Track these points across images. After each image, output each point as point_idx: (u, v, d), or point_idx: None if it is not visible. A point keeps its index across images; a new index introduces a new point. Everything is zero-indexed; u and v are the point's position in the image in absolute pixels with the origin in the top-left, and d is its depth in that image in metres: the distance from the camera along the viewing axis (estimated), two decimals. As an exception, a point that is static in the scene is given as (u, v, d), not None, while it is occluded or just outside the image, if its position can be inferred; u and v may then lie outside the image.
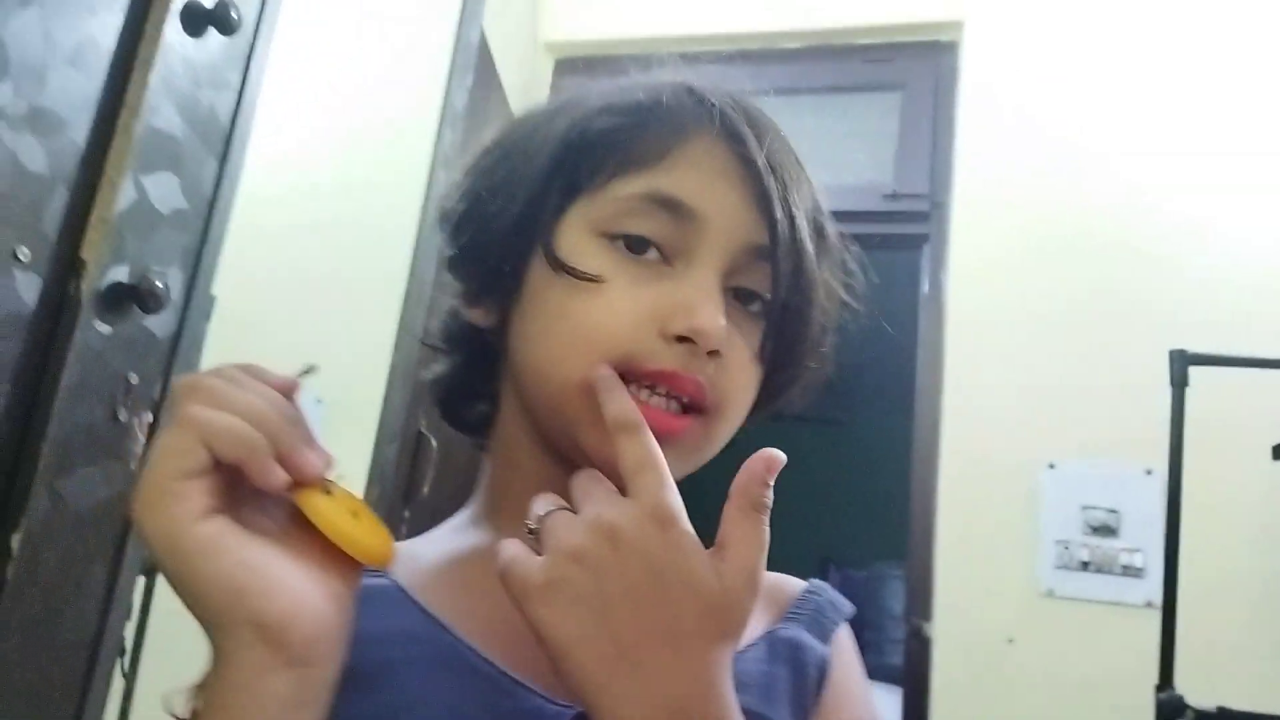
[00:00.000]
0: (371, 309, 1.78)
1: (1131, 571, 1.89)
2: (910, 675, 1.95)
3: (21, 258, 0.63)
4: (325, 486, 0.40)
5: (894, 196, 2.32)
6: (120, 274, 0.66)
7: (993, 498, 1.99)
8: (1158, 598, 1.61)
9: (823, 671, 0.54)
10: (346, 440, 1.95)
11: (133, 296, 0.66)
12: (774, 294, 0.49)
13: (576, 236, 0.49)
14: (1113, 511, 1.94)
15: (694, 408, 0.48)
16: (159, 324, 0.70)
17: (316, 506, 0.39)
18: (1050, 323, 2.06)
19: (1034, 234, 2.14)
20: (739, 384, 0.50)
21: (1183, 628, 1.56)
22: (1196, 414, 1.62)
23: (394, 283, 1.54)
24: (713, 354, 0.47)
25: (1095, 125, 2.17)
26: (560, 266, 0.48)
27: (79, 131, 0.66)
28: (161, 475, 0.37)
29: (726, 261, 0.49)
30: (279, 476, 0.38)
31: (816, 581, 0.59)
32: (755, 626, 0.53)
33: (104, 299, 0.65)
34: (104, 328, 0.66)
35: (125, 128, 0.67)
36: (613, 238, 0.48)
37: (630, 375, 0.46)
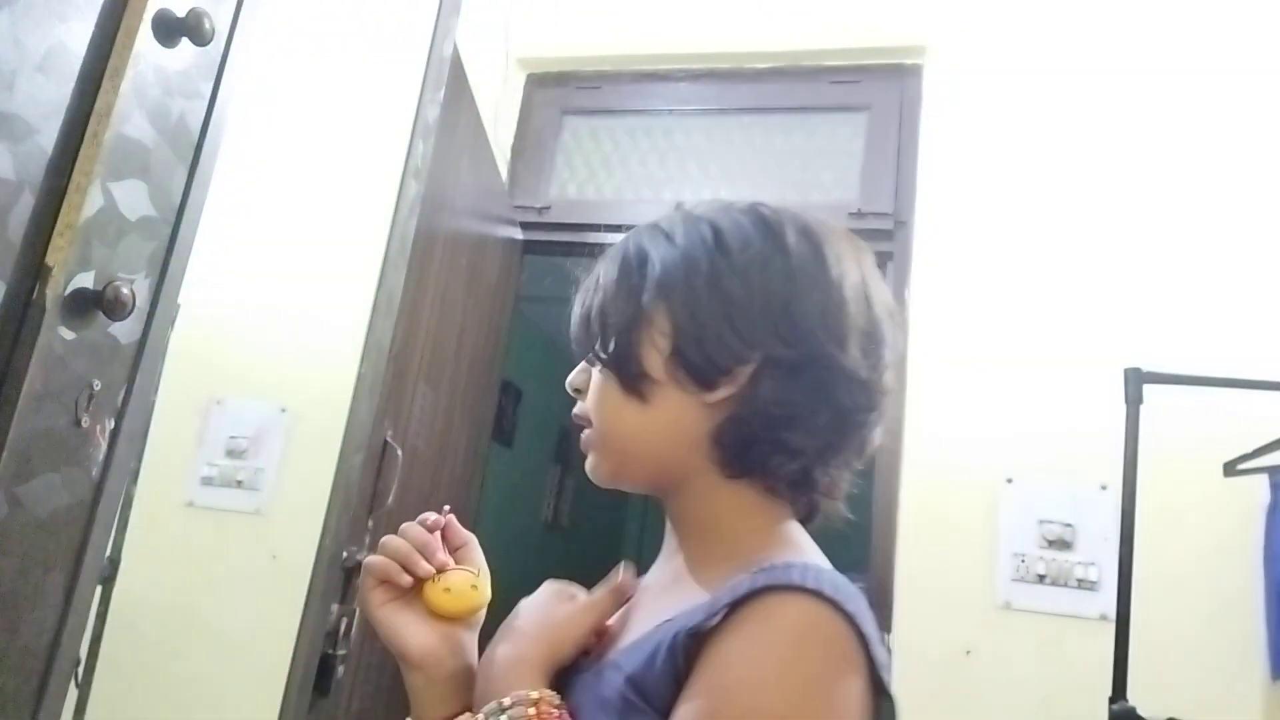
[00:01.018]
0: (339, 319, 1.78)
1: (1086, 585, 1.93)
2: (870, 687, 1.97)
3: (-14, 263, 0.63)
4: (436, 577, 0.71)
5: (859, 214, 2.36)
6: (86, 280, 0.66)
7: (952, 511, 2.02)
8: (1112, 611, 1.64)
9: (693, 639, 0.58)
10: (313, 449, 1.94)
11: (98, 303, 0.66)
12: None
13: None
14: (1068, 525, 1.97)
15: (584, 424, 0.74)
16: (123, 330, 0.70)
17: (426, 593, 0.71)
18: (1010, 340, 2.11)
19: (994, 252, 2.18)
20: (594, 401, 0.72)
21: (1136, 640, 1.59)
22: (1150, 431, 1.67)
23: (362, 293, 1.55)
24: (577, 392, 0.75)
25: (1055, 146, 2.22)
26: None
27: (47, 138, 0.66)
28: (362, 588, 0.72)
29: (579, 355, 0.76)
30: (407, 580, 0.70)
31: (781, 563, 0.60)
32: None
33: (69, 305, 0.65)
34: (68, 334, 0.65)
35: (94, 135, 0.67)
36: None
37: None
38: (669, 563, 0.73)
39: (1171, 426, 1.81)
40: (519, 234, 2.58)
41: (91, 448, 0.68)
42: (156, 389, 0.75)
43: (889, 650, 1.95)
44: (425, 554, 0.71)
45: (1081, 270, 2.12)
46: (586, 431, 0.73)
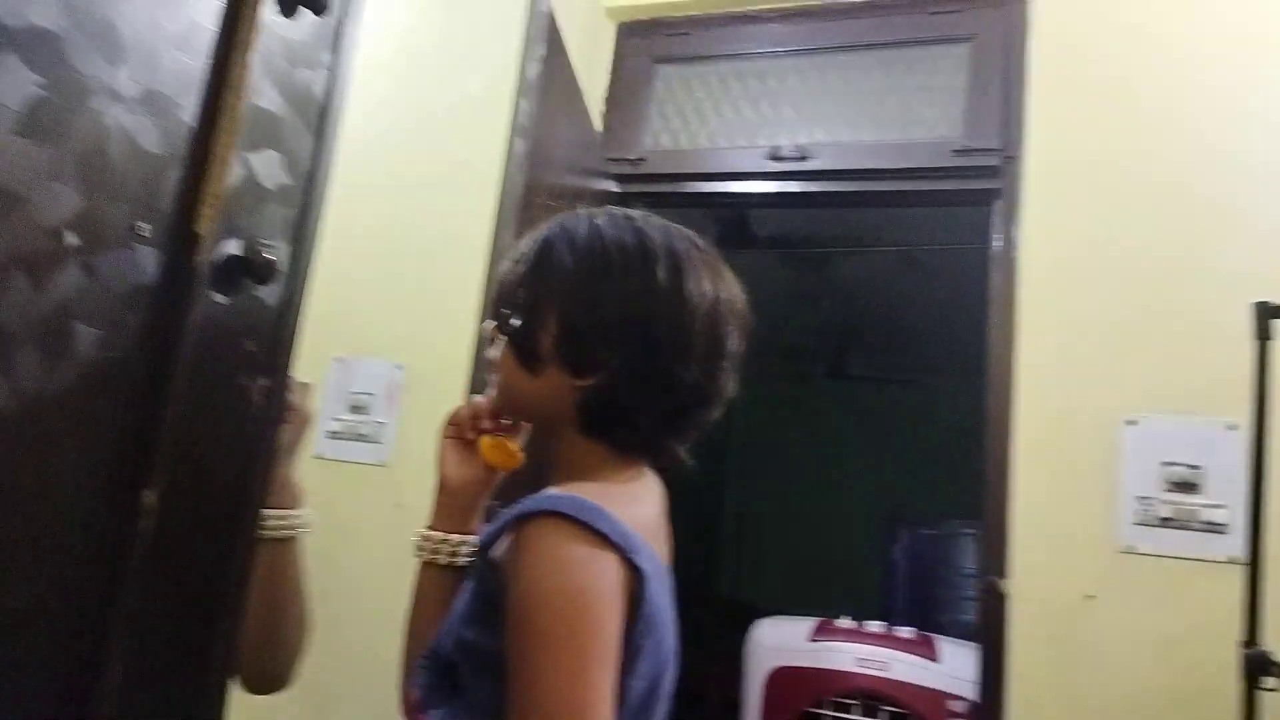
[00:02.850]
0: (456, 276, 1.82)
1: (1214, 528, 1.86)
2: (987, 632, 1.96)
3: (143, 234, 0.67)
4: (494, 435, 1.01)
5: (964, 151, 2.28)
6: (232, 247, 0.70)
7: (1070, 455, 1.97)
8: (1241, 553, 1.58)
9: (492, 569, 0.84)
10: (430, 403, 2.01)
11: (245, 268, 0.70)
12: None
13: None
14: (1194, 468, 1.90)
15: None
16: (268, 294, 0.74)
17: (481, 441, 1.02)
18: (1128, 277, 2.02)
19: (1109, 186, 2.08)
20: (499, 360, 0.95)
21: (1268, 584, 1.53)
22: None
23: (477, 249, 1.59)
24: (490, 341, 0.97)
25: (1171, 73, 2.10)
26: None
27: (188, 112, 0.70)
28: (441, 430, 1.04)
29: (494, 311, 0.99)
30: (471, 431, 1.03)
31: (542, 495, 0.82)
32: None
33: (219, 271, 0.69)
34: (220, 298, 0.70)
35: (230, 107, 0.70)
36: None
37: None
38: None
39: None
40: (614, 186, 2.59)
41: (249, 406, 0.73)
42: (297, 349, 0.79)
43: (1004, 596, 1.93)
44: (478, 420, 1.02)
45: (1205, 201, 2.00)
46: (490, 377, 0.99)
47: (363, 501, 2.05)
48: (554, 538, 0.77)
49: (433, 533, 1.02)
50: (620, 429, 0.91)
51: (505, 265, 0.97)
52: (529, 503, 0.80)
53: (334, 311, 2.05)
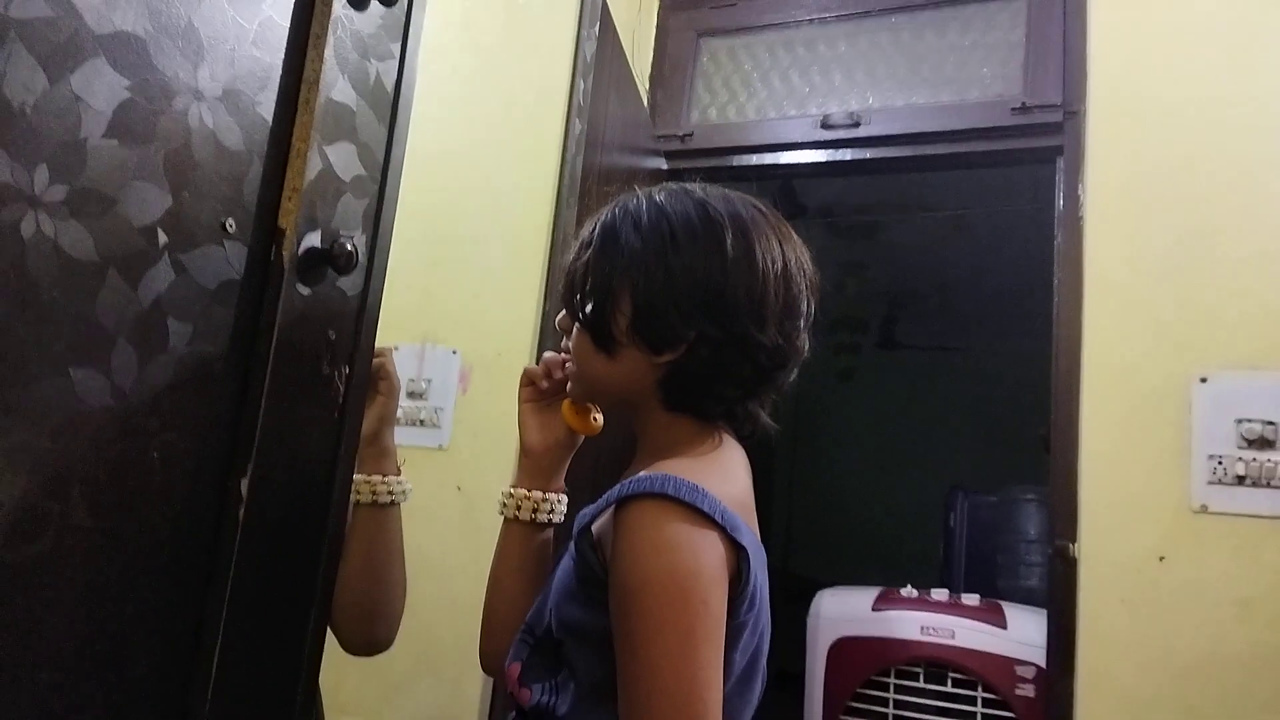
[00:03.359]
0: (516, 260, 1.83)
1: (1292, 485, 1.81)
2: (1056, 597, 1.93)
3: (229, 229, 0.69)
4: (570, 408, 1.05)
5: (1024, 109, 2.23)
6: (314, 239, 0.72)
7: (1140, 415, 1.93)
8: (1323, 510, 1.54)
9: (591, 547, 0.85)
10: (487, 388, 2.04)
11: (327, 260, 0.71)
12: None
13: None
14: (1270, 424, 1.85)
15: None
16: (349, 284, 0.75)
17: (564, 405, 1.04)
18: (1197, 231, 1.96)
19: (1177, 138, 2.02)
20: (575, 347, 0.96)
21: (1353, 541, 1.50)
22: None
23: (539, 233, 1.59)
24: (564, 332, 0.98)
25: (1240, 19, 2.02)
26: None
27: (266, 108, 0.71)
28: (519, 388, 1.07)
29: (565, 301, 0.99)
30: (545, 383, 1.06)
31: (641, 475, 0.82)
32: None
33: (303, 263, 0.70)
34: (304, 289, 0.71)
35: (307, 102, 0.71)
36: None
37: None
38: (634, 465, 0.95)
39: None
40: (663, 164, 2.58)
41: (334, 393, 0.74)
42: (375, 337, 0.80)
43: (1074, 560, 1.90)
44: (556, 369, 1.04)
45: (1277, 151, 1.94)
46: (568, 365, 0.99)
47: (423, 485, 2.08)
48: (658, 519, 0.78)
49: (517, 490, 1.04)
50: (704, 400, 0.92)
51: (570, 254, 0.97)
52: (631, 484, 0.81)
53: (393, 298, 2.09)
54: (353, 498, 1.08)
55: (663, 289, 0.88)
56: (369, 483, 1.11)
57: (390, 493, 1.13)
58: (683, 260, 0.88)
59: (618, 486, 0.83)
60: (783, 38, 2.62)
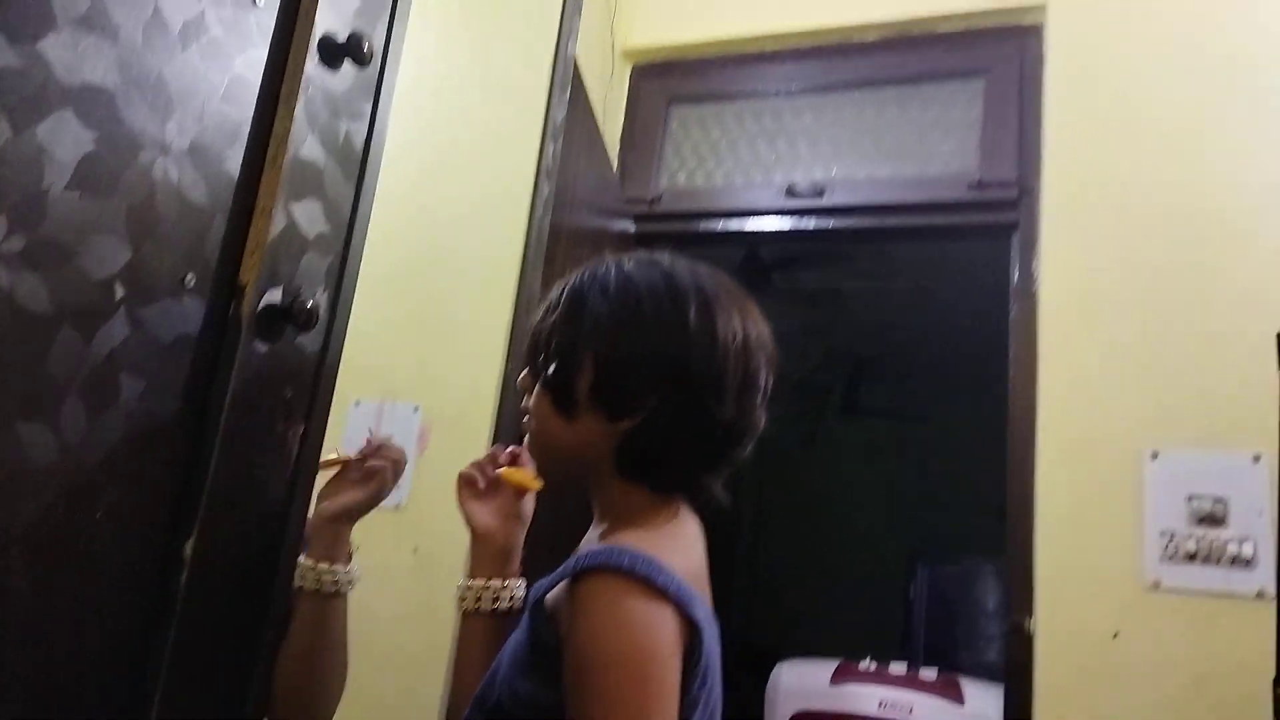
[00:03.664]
0: (479, 319, 1.82)
1: (1241, 562, 1.84)
2: (1012, 672, 1.93)
3: (189, 284, 0.67)
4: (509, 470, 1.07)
5: (980, 185, 2.29)
6: (275, 296, 0.71)
7: (1093, 489, 1.95)
8: (1271, 588, 1.56)
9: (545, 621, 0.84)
10: (448, 447, 2.01)
11: (286, 317, 0.70)
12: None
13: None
14: (1219, 500, 1.88)
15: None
16: (308, 341, 0.74)
17: (504, 471, 1.06)
18: (1147, 308, 2.01)
19: (1128, 216, 2.09)
20: (535, 407, 0.97)
21: (1300, 619, 1.51)
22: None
23: (504, 293, 1.59)
24: (525, 392, 1.00)
25: (1190, 104, 2.11)
26: None
27: (233, 164, 0.71)
28: (457, 490, 1.11)
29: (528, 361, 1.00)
30: (482, 481, 1.11)
31: (599, 549, 0.82)
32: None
33: (262, 320, 0.69)
34: (262, 346, 0.70)
35: (274, 159, 0.71)
36: None
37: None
38: (591, 533, 0.97)
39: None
40: (631, 226, 2.60)
41: (286, 451, 0.73)
42: (332, 394, 0.79)
43: (1030, 635, 1.90)
44: (493, 463, 1.09)
45: (1224, 229, 2.00)
46: (526, 423, 1.00)
47: (378, 547, 2.03)
48: (612, 594, 0.77)
49: (473, 582, 1.03)
50: (659, 469, 0.93)
51: (536, 315, 0.99)
52: (586, 558, 0.80)
53: (354, 354, 2.06)
54: (297, 582, 1.04)
55: (624, 355, 0.90)
56: (315, 570, 1.07)
57: (336, 582, 1.09)
58: (646, 328, 0.90)
59: (573, 559, 0.83)
60: (750, 107, 2.68)
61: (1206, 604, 1.83)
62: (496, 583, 1.03)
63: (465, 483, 1.09)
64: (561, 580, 0.83)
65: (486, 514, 1.06)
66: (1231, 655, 1.78)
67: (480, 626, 1.01)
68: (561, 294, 0.97)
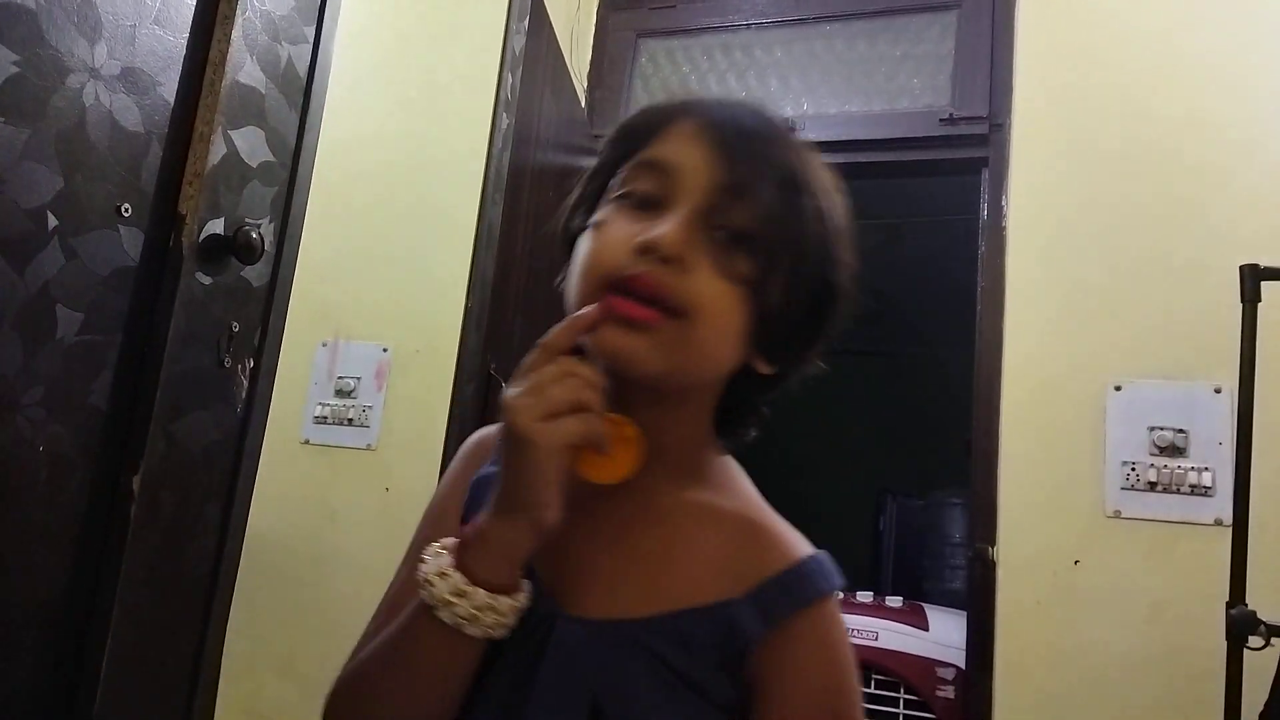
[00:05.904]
0: (443, 256, 1.80)
1: (1200, 490, 1.87)
2: (975, 599, 1.97)
3: (124, 213, 0.66)
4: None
5: (951, 120, 2.27)
6: (217, 226, 0.69)
7: (1057, 422, 1.98)
8: (1227, 515, 1.59)
9: (745, 649, 0.62)
10: (417, 386, 2.00)
11: (230, 248, 0.69)
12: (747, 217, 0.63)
13: (601, 207, 0.66)
14: (1180, 431, 1.91)
15: (659, 302, 0.60)
16: (255, 274, 0.73)
17: (625, 430, 0.62)
18: (1115, 243, 2.02)
19: (1096, 153, 2.08)
20: (705, 290, 0.61)
21: (1254, 544, 1.55)
22: (1269, 330, 1.59)
23: (464, 228, 1.57)
24: (671, 261, 0.59)
25: (1158, 38, 2.09)
26: (583, 225, 0.66)
27: (168, 89, 0.69)
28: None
29: (699, 199, 0.62)
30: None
31: (812, 558, 0.65)
32: (712, 592, 0.63)
33: (204, 251, 0.68)
34: (205, 278, 0.69)
35: (211, 84, 0.69)
36: (618, 199, 0.64)
37: (615, 286, 0.60)
38: (672, 482, 0.68)
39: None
40: (600, 163, 2.56)
41: (235, 386, 0.72)
42: (283, 329, 0.78)
43: (992, 563, 1.94)
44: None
45: (1191, 166, 2.00)
46: (657, 315, 0.60)
47: (351, 486, 2.04)
48: (839, 620, 0.65)
49: (474, 590, 0.58)
50: (749, 415, 0.76)
51: (776, 194, 0.66)
52: (819, 577, 0.64)
53: (319, 295, 2.04)
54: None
55: (838, 297, 0.72)
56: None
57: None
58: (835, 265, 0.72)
59: (789, 579, 0.63)
60: (720, 41, 2.63)
61: (1165, 531, 1.88)
62: (505, 601, 0.59)
63: (580, 426, 0.59)
64: (765, 605, 0.62)
65: (558, 487, 0.59)
66: (1188, 581, 1.83)
67: (455, 645, 0.60)
68: (798, 177, 0.67)
